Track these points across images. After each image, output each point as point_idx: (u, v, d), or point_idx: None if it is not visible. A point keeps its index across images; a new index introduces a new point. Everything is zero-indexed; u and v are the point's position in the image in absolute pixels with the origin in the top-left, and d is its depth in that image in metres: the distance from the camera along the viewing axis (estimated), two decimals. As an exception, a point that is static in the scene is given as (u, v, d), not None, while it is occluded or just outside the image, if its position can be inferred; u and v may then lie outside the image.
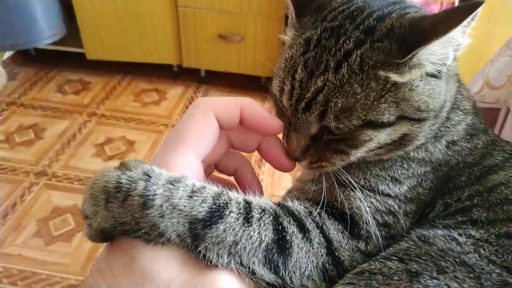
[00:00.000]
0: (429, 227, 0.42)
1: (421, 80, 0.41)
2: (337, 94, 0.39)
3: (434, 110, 0.43)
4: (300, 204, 0.43)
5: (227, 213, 0.35)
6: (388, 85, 0.39)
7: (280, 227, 0.38)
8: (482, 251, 0.37)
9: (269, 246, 0.36)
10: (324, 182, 0.44)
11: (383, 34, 0.40)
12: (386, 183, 0.45)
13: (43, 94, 2.34)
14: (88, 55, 2.37)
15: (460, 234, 0.39)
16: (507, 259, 0.36)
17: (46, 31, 2.13)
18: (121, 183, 0.34)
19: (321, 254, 0.39)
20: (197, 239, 0.33)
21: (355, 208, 0.43)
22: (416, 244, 0.38)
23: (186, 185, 0.35)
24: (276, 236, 0.37)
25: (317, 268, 0.39)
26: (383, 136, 0.42)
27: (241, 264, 0.35)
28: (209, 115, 0.39)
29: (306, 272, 0.38)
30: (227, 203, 0.36)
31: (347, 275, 0.38)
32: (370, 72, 0.39)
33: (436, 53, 0.40)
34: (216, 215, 0.34)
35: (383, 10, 0.43)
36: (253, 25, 2.17)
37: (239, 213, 0.36)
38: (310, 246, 0.39)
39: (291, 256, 0.37)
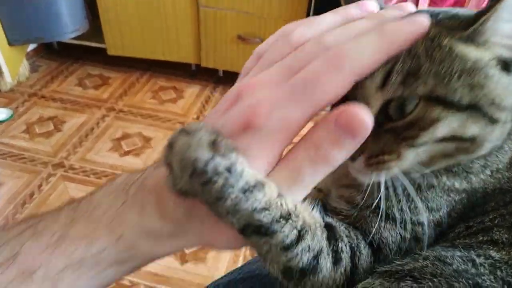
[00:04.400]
0: (449, 247, 0.41)
1: (496, 67, 0.36)
2: (405, 56, 0.35)
3: (509, 110, 0.37)
4: (344, 228, 0.42)
5: (275, 235, 0.36)
6: (457, 62, 0.35)
7: (315, 261, 0.38)
8: (498, 273, 0.36)
9: (291, 268, 0.37)
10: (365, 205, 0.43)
11: (447, 16, 0.38)
12: (421, 214, 0.41)
13: (63, 87, 2.39)
14: (109, 51, 2.41)
15: (479, 255, 0.38)
16: None
17: (70, 26, 2.18)
18: (207, 170, 0.34)
19: (338, 283, 0.39)
20: (244, 235, 0.36)
21: (383, 238, 0.42)
22: (432, 263, 0.37)
23: (255, 200, 0.35)
24: (307, 266, 0.38)
25: None
26: (454, 121, 0.36)
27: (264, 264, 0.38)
28: None
29: None
30: (280, 230, 0.36)
31: None
32: (434, 40, 0.35)
33: (506, 29, 0.35)
34: (263, 232, 0.36)
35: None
36: (273, 27, 2.17)
37: (285, 241, 0.37)
38: (333, 275, 0.39)
39: (309, 278, 0.38)
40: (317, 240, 0.38)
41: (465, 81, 0.35)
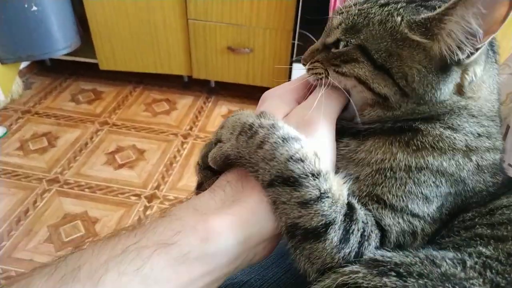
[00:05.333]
0: (439, 247, 0.42)
1: (424, 60, 0.44)
2: (362, 15, 0.47)
3: (419, 97, 0.45)
4: (363, 212, 0.44)
5: (297, 190, 0.41)
6: (398, 35, 0.44)
7: (323, 229, 0.41)
8: (488, 273, 0.37)
9: (297, 226, 0.41)
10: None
11: (432, 6, 0.45)
12: (417, 202, 0.44)
13: (57, 103, 2.41)
14: (101, 65, 2.43)
15: (470, 254, 0.39)
16: None
17: (61, 43, 2.20)
18: (254, 125, 0.44)
19: (337, 261, 0.41)
20: (270, 186, 0.42)
21: (387, 226, 0.44)
22: (422, 262, 0.38)
23: (290, 148, 0.42)
24: (313, 230, 0.41)
25: (323, 264, 0.41)
26: (367, 69, 0.46)
27: (274, 211, 0.42)
28: None
29: (313, 259, 0.41)
30: (305, 185, 0.41)
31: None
32: (393, 15, 0.45)
33: (455, 25, 0.41)
34: (290, 184, 0.41)
35: None
36: (261, 37, 2.21)
37: (303, 196, 0.41)
38: (335, 253, 0.41)
39: (311, 245, 0.41)
40: (333, 210, 0.42)
41: (390, 47, 0.44)
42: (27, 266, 1.52)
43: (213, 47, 2.29)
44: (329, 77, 0.49)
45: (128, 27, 2.27)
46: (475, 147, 0.46)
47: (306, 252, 0.41)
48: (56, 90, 2.52)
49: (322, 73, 0.50)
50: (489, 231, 0.42)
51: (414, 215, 0.44)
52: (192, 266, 0.37)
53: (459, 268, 0.37)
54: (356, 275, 0.38)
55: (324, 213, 0.41)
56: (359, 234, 0.42)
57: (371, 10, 0.47)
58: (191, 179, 1.93)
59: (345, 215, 0.42)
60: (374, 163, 0.46)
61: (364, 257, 0.41)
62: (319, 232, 0.40)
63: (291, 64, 2.21)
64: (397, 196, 0.44)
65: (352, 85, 0.49)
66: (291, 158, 0.41)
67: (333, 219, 0.41)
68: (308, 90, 0.53)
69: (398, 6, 0.45)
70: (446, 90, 0.45)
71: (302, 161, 0.42)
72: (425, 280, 0.36)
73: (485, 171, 0.47)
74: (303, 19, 2.03)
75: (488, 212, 0.45)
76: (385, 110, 0.47)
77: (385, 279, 0.36)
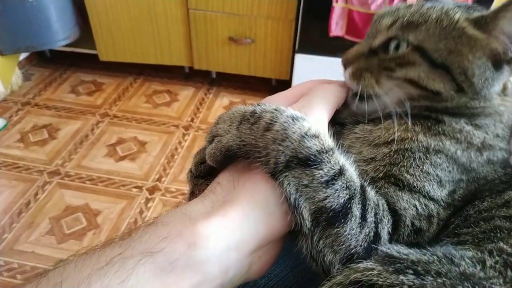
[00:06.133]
0: (458, 243, 0.41)
1: (484, 56, 0.45)
2: (416, 14, 0.46)
3: (476, 91, 0.46)
4: (374, 193, 0.44)
5: (318, 168, 0.39)
6: (454, 32, 0.45)
7: (349, 205, 0.40)
8: (509, 273, 0.35)
9: (324, 209, 0.39)
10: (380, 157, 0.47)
11: (478, 10, 0.47)
12: (433, 184, 0.44)
13: (57, 95, 2.39)
14: (101, 56, 2.41)
15: (491, 252, 0.38)
16: None
17: (60, 33, 2.18)
18: (256, 111, 0.42)
19: (360, 244, 0.40)
20: (286, 168, 0.39)
21: (402, 210, 0.43)
22: (440, 261, 0.37)
23: (302, 126, 0.40)
24: (340, 209, 0.39)
25: (348, 250, 0.39)
26: (424, 70, 0.46)
27: (294, 198, 0.39)
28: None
29: (337, 246, 0.39)
30: (324, 162, 0.40)
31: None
32: (449, 14, 0.45)
33: (508, 29, 0.43)
34: (311, 164, 0.39)
35: None
36: (263, 27, 2.18)
37: (326, 174, 0.39)
38: (358, 232, 0.40)
39: (336, 229, 0.39)
40: (353, 182, 0.41)
41: (450, 45, 0.45)
42: (29, 258, 1.52)
43: (214, 38, 2.27)
44: (378, 87, 0.48)
45: (128, 17, 2.24)
46: (490, 145, 0.48)
47: (330, 240, 0.39)
48: (56, 82, 2.50)
49: (373, 84, 0.49)
50: (508, 223, 0.41)
51: (430, 198, 0.44)
52: (181, 276, 0.34)
53: (478, 268, 0.36)
54: (370, 272, 0.36)
55: (349, 184, 0.40)
56: (373, 213, 0.41)
57: (424, 10, 0.47)
58: (192, 171, 1.92)
59: (360, 187, 0.42)
60: (393, 141, 0.46)
61: (380, 249, 0.40)
62: (346, 211, 0.39)
63: (293, 55, 2.19)
64: (415, 176, 0.44)
65: (397, 88, 0.48)
66: (306, 135, 0.40)
67: (354, 192, 0.40)
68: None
69: (449, 7, 0.46)
70: (497, 88, 0.47)
71: (317, 137, 0.40)
72: (444, 279, 0.34)
73: (495, 164, 0.48)
74: (306, 8, 2.00)
75: (505, 204, 0.44)
76: (434, 102, 0.48)
77: (402, 277, 0.35)
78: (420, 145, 0.45)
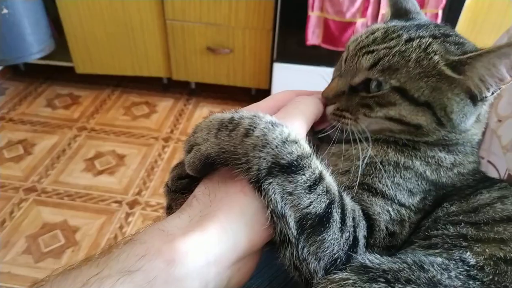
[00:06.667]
0: (429, 243, 0.43)
1: (462, 93, 0.47)
2: (396, 55, 0.47)
3: (454, 126, 0.48)
4: (349, 199, 0.45)
5: (300, 173, 0.40)
6: (435, 71, 0.46)
7: (329, 209, 0.41)
8: (471, 284, 0.37)
9: (309, 215, 0.39)
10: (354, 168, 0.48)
11: (454, 42, 0.49)
12: (403, 193, 0.47)
13: (32, 109, 2.34)
14: (77, 69, 2.37)
15: (456, 261, 0.39)
16: None
17: (35, 46, 2.13)
18: (234, 118, 0.42)
19: (342, 248, 0.41)
20: (269, 175, 0.39)
21: (376, 215, 0.45)
22: (410, 268, 0.38)
23: (283, 131, 0.41)
24: (323, 213, 0.40)
25: (331, 256, 0.40)
26: (405, 109, 0.48)
27: (279, 207, 0.39)
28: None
29: (321, 253, 0.40)
30: (305, 167, 0.41)
31: None
32: (429, 54, 0.47)
33: (486, 70, 0.45)
34: (293, 170, 0.40)
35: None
36: (241, 37, 2.19)
37: (308, 180, 0.40)
38: (339, 237, 0.41)
39: (321, 234, 0.40)
40: (332, 187, 0.42)
41: (431, 83, 0.46)
42: (5, 279, 1.47)
43: (192, 48, 2.26)
44: (358, 125, 0.50)
45: (104, 28, 2.22)
46: (460, 163, 0.51)
47: (314, 247, 0.40)
48: (31, 96, 2.45)
49: (352, 123, 0.50)
50: (473, 230, 0.43)
51: (402, 204, 0.47)
52: None
53: (445, 275, 0.37)
54: (346, 281, 0.37)
55: (329, 189, 0.42)
56: (351, 217, 0.43)
57: (402, 48, 0.48)
58: (173, 183, 1.90)
59: (338, 192, 0.43)
60: (366, 157, 0.48)
61: (355, 259, 0.41)
62: (328, 215, 0.40)
63: (271, 64, 2.20)
64: (387, 186, 0.47)
65: (377, 124, 0.50)
66: (287, 140, 0.40)
67: (333, 196, 0.42)
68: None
69: (426, 42, 0.48)
70: (472, 121, 0.50)
71: (296, 142, 0.41)
72: (413, 285, 0.36)
73: (466, 175, 0.51)
74: (282, 18, 2.02)
75: (472, 210, 0.46)
76: (414, 136, 0.50)
77: (374, 285, 0.36)
78: (391, 160, 0.48)
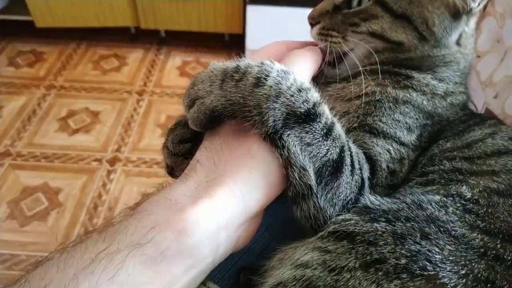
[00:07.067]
0: (426, 179, 0.45)
1: (442, 7, 0.47)
2: None
3: (437, 39, 0.49)
4: (351, 142, 0.46)
5: (317, 120, 0.39)
6: None
7: (342, 154, 0.41)
8: (467, 217, 0.39)
9: (328, 163, 0.40)
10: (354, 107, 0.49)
11: None
12: (403, 130, 0.48)
13: (-6, 69, 2.21)
14: (37, 23, 2.22)
15: (453, 197, 0.41)
16: (491, 222, 0.38)
17: (-13, 1, 1.98)
18: (240, 66, 0.40)
19: (353, 191, 0.42)
20: (285, 127, 0.38)
21: (377, 156, 0.46)
22: (409, 207, 0.39)
23: (295, 79, 0.39)
24: (338, 159, 0.40)
25: (345, 200, 0.41)
26: (386, 22, 0.48)
27: (300, 160, 0.39)
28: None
29: (336, 198, 0.41)
30: (321, 114, 0.40)
31: (330, 232, 0.39)
32: None
33: None
34: (310, 118, 0.39)
35: None
36: (210, -21, 2.07)
37: (324, 126, 0.40)
38: (351, 180, 0.42)
39: (337, 180, 0.40)
40: (341, 131, 0.43)
41: None
42: (-9, 245, 1.46)
43: (159, -6, 2.13)
44: (344, 44, 0.50)
45: (61, -23, 2.05)
46: (451, 91, 0.52)
47: (330, 194, 0.40)
48: (-10, 55, 2.30)
49: (340, 41, 0.50)
50: (467, 164, 0.45)
51: (401, 143, 0.48)
52: (173, 263, 0.34)
53: (443, 211, 0.39)
54: (347, 222, 0.39)
55: (340, 133, 0.42)
56: (357, 159, 0.44)
57: None
58: (152, 137, 1.87)
59: (350, 156, 0.43)
60: (364, 95, 0.49)
61: (367, 183, 0.43)
62: (341, 160, 0.41)
63: (244, 7, 2.11)
64: (387, 124, 0.47)
65: (363, 42, 0.50)
66: (302, 88, 0.39)
67: (343, 140, 0.42)
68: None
69: None
70: (454, 38, 0.50)
71: (310, 90, 0.40)
72: (412, 223, 0.38)
73: (456, 106, 0.53)
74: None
75: (465, 146, 0.48)
76: (398, 53, 0.51)
77: (375, 224, 0.38)
78: (389, 96, 0.49)
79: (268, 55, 0.48)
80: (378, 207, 0.40)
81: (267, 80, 0.38)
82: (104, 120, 1.95)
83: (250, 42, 2.19)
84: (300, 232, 0.44)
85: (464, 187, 0.41)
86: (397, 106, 0.48)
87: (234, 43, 2.39)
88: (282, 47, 0.50)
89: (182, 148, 0.50)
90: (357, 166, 0.43)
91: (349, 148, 0.43)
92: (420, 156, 0.50)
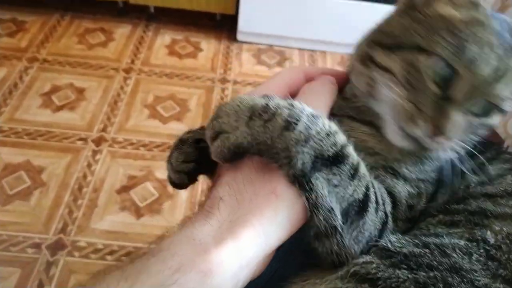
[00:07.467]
0: (452, 225, 0.44)
1: None
2: None
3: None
4: (373, 178, 0.45)
5: (345, 162, 0.39)
6: None
7: (368, 192, 0.41)
8: (490, 264, 0.38)
9: (354, 202, 0.40)
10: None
11: None
12: (424, 173, 0.48)
13: (-28, 38, 2.10)
14: (19, -10, 2.11)
15: (477, 243, 0.40)
16: None
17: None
18: (269, 106, 0.39)
19: (377, 227, 0.42)
20: (313, 170, 0.38)
21: (397, 192, 0.46)
22: (432, 253, 0.39)
23: (324, 123, 0.40)
24: (363, 198, 0.40)
25: (369, 236, 0.41)
26: (496, 120, 0.46)
27: (328, 202, 0.38)
28: None
29: (361, 236, 0.41)
30: (348, 155, 0.40)
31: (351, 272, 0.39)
32: None
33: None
34: (338, 160, 0.39)
35: None
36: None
37: (351, 167, 0.40)
38: (376, 217, 0.42)
39: (362, 218, 0.40)
40: (365, 169, 0.42)
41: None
42: (-29, 224, 1.42)
43: (150, -32, 2.05)
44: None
45: None
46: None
47: (355, 232, 0.40)
48: (-33, 22, 2.18)
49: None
50: (493, 206, 0.44)
51: (421, 180, 0.48)
52: None
53: (467, 259, 0.39)
54: (369, 265, 0.39)
55: (365, 172, 0.42)
56: (380, 195, 0.44)
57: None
58: (139, 118, 1.84)
59: (374, 193, 0.43)
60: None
61: (390, 219, 0.43)
62: (366, 199, 0.41)
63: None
64: (410, 171, 0.47)
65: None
66: (330, 133, 0.39)
67: (368, 179, 0.42)
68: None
69: None
70: None
71: (337, 133, 0.40)
72: (435, 272, 0.37)
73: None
74: None
75: (488, 181, 0.47)
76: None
77: (397, 271, 0.37)
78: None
79: (285, 82, 0.48)
80: (399, 249, 0.40)
81: (297, 125, 0.38)
82: (90, 97, 1.90)
83: (243, 23, 2.15)
84: (315, 261, 0.44)
85: (488, 233, 0.41)
86: (424, 157, 0.48)
87: (226, 23, 2.34)
88: (299, 75, 0.49)
89: (186, 167, 0.50)
90: (380, 201, 0.43)
91: (373, 185, 0.43)
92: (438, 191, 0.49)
